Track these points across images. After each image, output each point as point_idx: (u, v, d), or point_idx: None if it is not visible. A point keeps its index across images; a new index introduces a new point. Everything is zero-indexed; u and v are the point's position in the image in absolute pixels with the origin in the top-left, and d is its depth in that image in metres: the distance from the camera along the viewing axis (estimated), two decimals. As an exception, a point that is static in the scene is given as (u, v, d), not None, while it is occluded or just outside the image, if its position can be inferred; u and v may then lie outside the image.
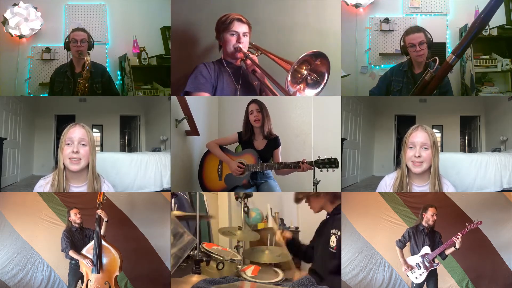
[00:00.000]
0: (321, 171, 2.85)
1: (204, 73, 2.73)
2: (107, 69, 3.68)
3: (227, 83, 2.79)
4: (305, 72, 2.61)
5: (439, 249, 2.79)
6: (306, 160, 2.87)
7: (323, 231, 2.60)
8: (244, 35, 2.75)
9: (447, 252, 2.80)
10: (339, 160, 2.87)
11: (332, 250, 2.46)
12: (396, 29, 3.89)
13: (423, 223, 2.88)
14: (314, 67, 2.60)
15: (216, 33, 2.83)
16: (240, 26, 2.74)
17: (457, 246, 2.73)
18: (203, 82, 2.70)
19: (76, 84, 3.34)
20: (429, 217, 2.87)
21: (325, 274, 2.42)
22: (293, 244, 2.78)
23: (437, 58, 2.91)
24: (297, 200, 2.76)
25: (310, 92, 2.64)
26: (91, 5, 3.84)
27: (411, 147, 2.47)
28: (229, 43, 2.74)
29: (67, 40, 3.39)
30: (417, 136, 2.46)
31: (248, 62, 2.75)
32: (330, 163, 2.80)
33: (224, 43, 2.79)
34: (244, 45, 2.76)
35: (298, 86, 2.62)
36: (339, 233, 2.47)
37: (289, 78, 2.51)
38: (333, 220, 2.55)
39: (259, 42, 2.96)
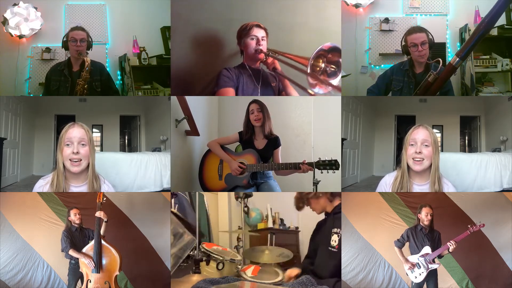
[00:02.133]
0: (321, 172, 2.87)
1: (226, 74, 2.94)
2: (107, 67, 3.67)
3: (246, 84, 2.98)
4: (323, 65, 2.76)
5: (437, 252, 2.79)
6: (306, 161, 2.90)
7: (320, 231, 2.60)
8: (262, 39, 2.94)
9: (443, 254, 2.81)
10: (339, 160, 2.88)
11: (333, 249, 2.45)
12: (396, 29, 3.89)
13: (420, 223, 2.89)
14: (328, 59, 2.75)
15: (238, 40, 3.01)
16: (258, 31, 2.93)
17: (450, 250, 2.75)
18: (226, 80, 2.93)
19: (73, 83, 3.32)
20: (423, 217, 2.87)
21: (325, 274, 2.41)
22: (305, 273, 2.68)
23: (440, 59, 2.92)
24: (298, 208, 2.76)
25: (334, 82, 2.78)
26: (91, 5, 3.84)
27: (412, 144, 2.49)
28: (250, 46, 2.94)
29: (65, 39, 3.35)
30: (418, 133, 2.49)
31: (269, 60, 2.96)
32: (331, 165, 2.83)
33: (245, 48, 2.97)
34: (263, 47, 2.95)
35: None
36: (341, 232, 2.47)
37: (309, 70, 2.67)
38: (334, 220, 2.55)
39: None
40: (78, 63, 3.35)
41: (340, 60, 2.74)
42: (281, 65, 2.98)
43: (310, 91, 2.77)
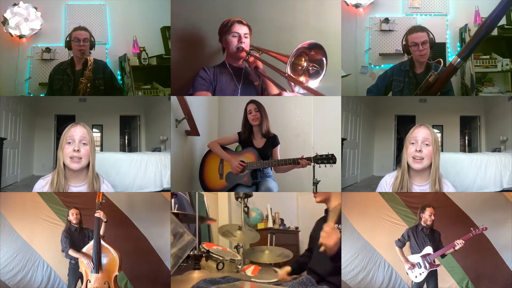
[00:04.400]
0: (319, 166, 2.91)
1: (203, 75, 2.87)
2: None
3: (226, 84, 2.90)
4: (305, 64, 2.67)
5: (441, 251, 2.79)
6: (305, 157, 2.92)
7: (319, 228, 2.59)
8: (245, 36, 2.85)
9: (446, 252, 2.81)
10: (339, 160, 2.88)
11: None
12: (396, 29, 3.89)
13: (422, 223, 2.89)
14: (311, 57, 2.66)
15: (219, 37, 2.93)
16: (240, 28, 2.84)
17: (457, 248, 2.76)
18: (202, 83, 2.86)
19: (76, 82, 3.33)
20: (427, 217, 2.87)
21: (324, 272, 2.41)
22: (297, 268, 2.71)
23: (441, 60, 2.91)
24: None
25: (313, 83, 2.69)
26: (91, 5, 3.84)
27: (413, 143, 2.49)
28: (231, 44, 2.85)
29: (68, 39, 3.36)
30: (420, 132, 2.49)
31: (251, 59, 2.86)
32: (328, 159, 2.86)
33: (226, 45, 2.89)
34: (246, 45, 2.86)
35: (301, 78, 2.67)
36: (340, 226, 2.46)
37: (288, 70, 2.57)
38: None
39: (259, 42, 2.98)
40: (81, 62, 3.36)
41: (324, 59, 2.64)
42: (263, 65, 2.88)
43: (289, 91, 2.68)
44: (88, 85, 3.31)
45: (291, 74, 2.59)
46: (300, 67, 2.67)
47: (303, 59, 2.66)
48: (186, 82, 3.11)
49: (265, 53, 2.86)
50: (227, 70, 2.92)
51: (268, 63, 2.78)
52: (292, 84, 2.65)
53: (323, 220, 2.60)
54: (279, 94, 2.78)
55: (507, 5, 2.55)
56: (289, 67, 2.56)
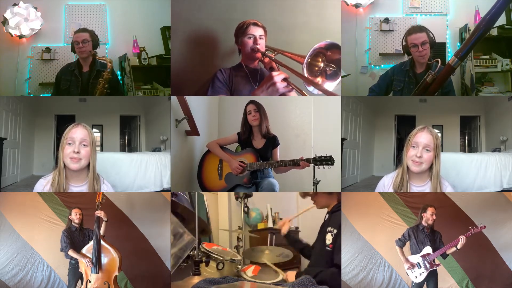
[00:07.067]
0: (318, 168, 2.95)
1: (220, 77, 2.94)
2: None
3: (242, 85, 2.95)
4: (322, 64, 2.65)
5: (441, 250, 2.79)
6: (304, 158, 2.95)
7: (322, 231, 2.61)
8: (260, 38, 2.90)
9: (448, 251, 2.81)
10: (339, 160, 2.90)
11: (327, 248, 2.46)
12: (396, 29, 3.89)
13: (423, 222, 2.89)
14: (328, 58, 2.64)
15: (235, 39, 2.98)
16: (256, 30, 2.89)
17: (459, 247, 2.74)
18: (220, 86, 2.93)
19: (83, 83, 3.37)
20: (428, 216, 2.87)
21: (322, 273, 2.42)
22: (290, 237, 2.86)
23: (439, 59, 2.91)
24: (303, 195, 2.82)
25: (331, 85, 2.66)
26: (91, 5, 3.84)
27: (413, 146, 2.47)
28: (247, 45, 2.90)
29: (72, 42, 3.40)
30: (422, 137, 2.45)
31: (266, 60, 2.92)
32: (326, 160, 2.90)
33: (242, 47, 2.94)
34: (261, 46, 2.91)
35: (317, 80, 2.64)
36: (335, 231, 2.48)
37: (305, 71, 2.56)
38: (331, 218, 2.56)
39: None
40: (87, 63, 3.39)
41: (340, 57, 2.64)
42: (278, 66, 2.91)
43: (305, 93, 2.62)
44: (106, 85, 3.33)
45: (308, 76, 2.57)
46: (316, 68, 2.65)
47: (320, 59, 2.64)
48: (186, 82, 3.11)
49: (280, 53, 2.89)
50: (243, 71, 2.96)
51: (284, 64, 2.79)
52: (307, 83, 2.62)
53: (326, 224, 2.61)
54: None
55: (503, 4, 2.55)
56: (305, 68, 2.54)
